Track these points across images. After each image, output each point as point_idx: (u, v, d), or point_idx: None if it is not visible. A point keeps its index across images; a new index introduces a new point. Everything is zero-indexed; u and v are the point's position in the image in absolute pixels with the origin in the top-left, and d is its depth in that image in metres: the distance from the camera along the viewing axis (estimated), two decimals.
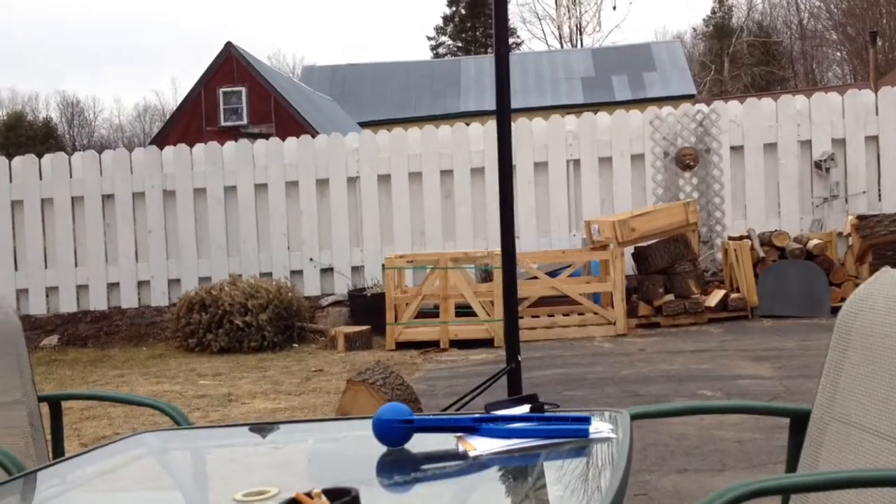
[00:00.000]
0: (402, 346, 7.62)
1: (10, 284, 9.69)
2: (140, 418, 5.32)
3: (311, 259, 9.65)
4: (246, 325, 8.00)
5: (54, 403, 2.48)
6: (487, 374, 4.22)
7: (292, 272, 9.60)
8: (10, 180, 9.85)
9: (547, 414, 1.56)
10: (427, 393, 5.51)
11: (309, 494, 1.03)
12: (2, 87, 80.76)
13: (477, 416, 1.52)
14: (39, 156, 10.09)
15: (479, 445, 1.45)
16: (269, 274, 9.45)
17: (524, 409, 1.61)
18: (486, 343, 7.47)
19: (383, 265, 8.46)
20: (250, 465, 1.60)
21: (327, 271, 9.67)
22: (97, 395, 3.57)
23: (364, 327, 8.01)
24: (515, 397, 1.70)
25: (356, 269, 9.62)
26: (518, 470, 1.43)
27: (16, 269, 9.84)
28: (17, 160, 9.97)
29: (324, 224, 9.70)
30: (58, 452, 2.41)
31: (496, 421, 1.51)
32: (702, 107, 9.53)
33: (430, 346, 7.54)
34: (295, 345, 8.17)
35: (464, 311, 7.71)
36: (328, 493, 1.04)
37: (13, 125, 46.39)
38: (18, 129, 44.88)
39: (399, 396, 4.41)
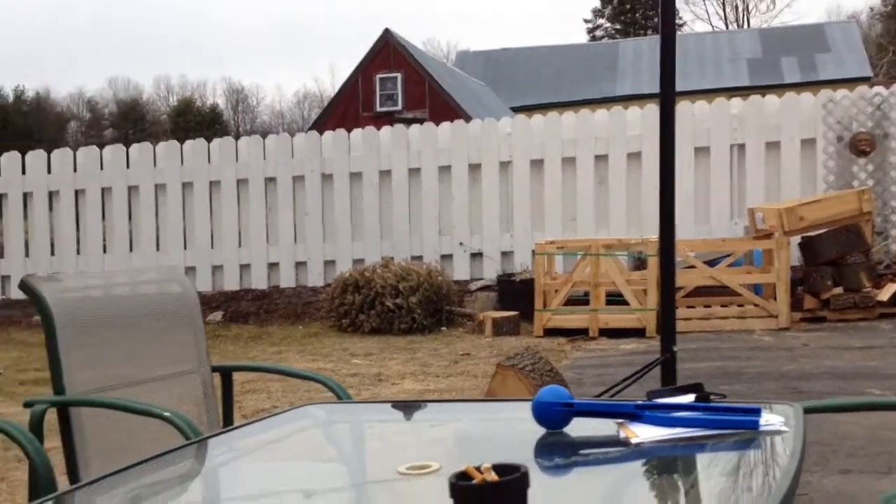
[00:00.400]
0: (550, 332, 7.56)
1: (180, 262, 10.25)
2: (297, 393, 5.52)
3: (461, 243, 9.74)
4: (396, 308, 8.17)
5: (226, 374, 2.61)
6: (637, 365, 4.12)
7: (442, 256, 9.72)
8: (182, 163, 10.39)
9: (713, 404, 1.50)
10: (575, 381, 5.45)
11: (478, 469, 1.04)
12: (173, 74, 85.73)
13: (640, 402, 1.48)
14: (207, 140, 10.61)
15: (642, 433, 1.41)
16: (420, 257, 9.60)
17: (689, 398, 1.55)
18: (637, 333, 7.32)
19: (533, 251, 8.42)
20: (412, 441, 1.63)
21: (477, 256, 9.73)
22: (267, 367, 3.73)
23: (512, 313, 8.01)
24: (679, 386, 1.65)
25: (505, 255, 9.63)
26: (682, 459, 1.39)
27: (185, 248, 10.42)
28: (187, 144, 10.51)
29: (474, 209, 9.76)
30: (227, 421, 2.54)
31: (659, 408, 1.47)
32: (880, 89, 8.95)
33: (578, 333, 7.46)
34: (443, 328, 8.27)
35: (614, 299, 7.57)
36: (497, 468, 1.04)
37: (183, 111, 49.22)
38: (187, 115, 47.57)
39: (548, 383, 4.38)
